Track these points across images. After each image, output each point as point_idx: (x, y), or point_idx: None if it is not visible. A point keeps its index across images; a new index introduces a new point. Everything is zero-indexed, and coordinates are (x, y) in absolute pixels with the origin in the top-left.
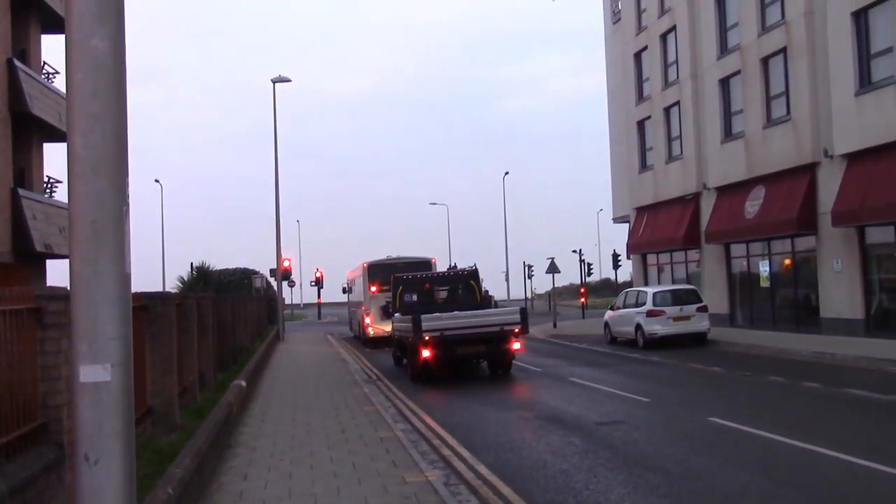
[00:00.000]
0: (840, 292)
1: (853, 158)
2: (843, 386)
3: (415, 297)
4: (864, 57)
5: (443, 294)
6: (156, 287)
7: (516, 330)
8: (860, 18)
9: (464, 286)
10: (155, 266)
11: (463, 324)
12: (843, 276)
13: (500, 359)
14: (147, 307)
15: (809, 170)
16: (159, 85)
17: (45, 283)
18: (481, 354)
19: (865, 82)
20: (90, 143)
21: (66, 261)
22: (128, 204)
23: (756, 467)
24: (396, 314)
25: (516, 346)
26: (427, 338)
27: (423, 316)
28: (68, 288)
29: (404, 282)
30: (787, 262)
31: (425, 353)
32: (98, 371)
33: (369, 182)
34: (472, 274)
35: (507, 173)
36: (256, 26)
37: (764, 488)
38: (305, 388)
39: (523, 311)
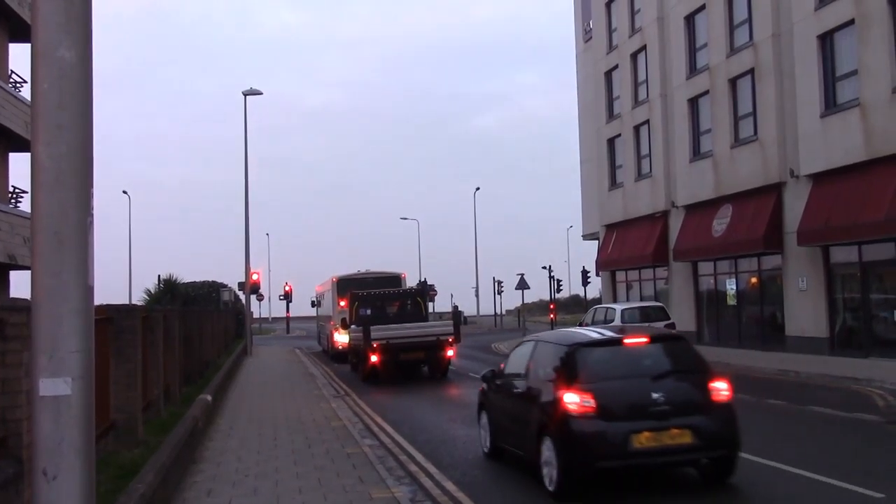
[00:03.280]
0: (805, 310)
1: (818, 179)
2: (808, 403)
3: (369, 311)
4: (830, 79)
5: (393, 308)
6: (122, 299)
7: (450, 339)
8: (826, 41)
9: (412, 302)
10: (121, 278)
11: (405, 334)
12: (808, 294)
13: (437, 364)
14: (112, 319)
15: (776, 189)
16: (127, 95)
17: (7, 294)
18: (421, 360)
19: (831, 104)
20: (55, 153)
21: (30, 272)
22: (92, 215)
23: (720, 485)
24: (352, 326)
25: (450, 353)
26: (375, 345)
27: (372, 327)
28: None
29: (360, 298)
30: (754, 280)
31: (373, 358)
32: (58, 384)
33: (340, 196)
34: (419, 291)
35: (477, 189)
36: (226, 38)
37: None
38: (272, 403)
39: (456, 324)
